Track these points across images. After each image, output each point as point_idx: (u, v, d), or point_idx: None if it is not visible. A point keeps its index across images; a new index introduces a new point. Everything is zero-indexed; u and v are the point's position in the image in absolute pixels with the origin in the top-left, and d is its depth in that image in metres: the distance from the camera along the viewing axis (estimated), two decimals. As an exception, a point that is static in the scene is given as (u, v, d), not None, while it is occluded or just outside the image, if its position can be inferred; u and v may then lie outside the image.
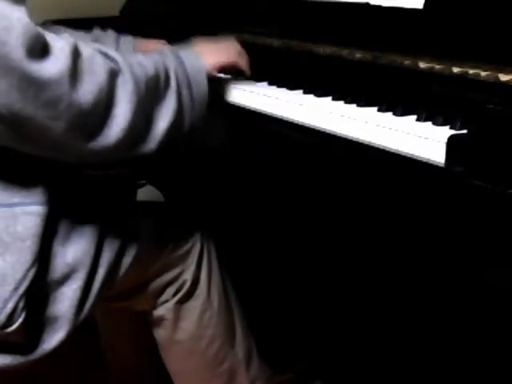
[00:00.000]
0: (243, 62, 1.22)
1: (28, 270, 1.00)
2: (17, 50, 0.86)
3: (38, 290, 1.03)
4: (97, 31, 1.37)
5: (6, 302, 0.98)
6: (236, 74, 1.25)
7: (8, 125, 0.91)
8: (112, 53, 1.00)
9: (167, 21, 1.63)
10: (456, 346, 1.28)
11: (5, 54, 0.86)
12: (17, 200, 1.00)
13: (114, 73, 0.97)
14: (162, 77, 1.05)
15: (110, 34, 1.37)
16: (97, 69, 0.95)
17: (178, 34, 1.46)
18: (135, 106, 0.98)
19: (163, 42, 1.42)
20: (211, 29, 1.46)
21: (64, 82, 0.90)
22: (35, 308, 1.02)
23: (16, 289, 0.99)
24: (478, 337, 1.22)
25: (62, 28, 1.33)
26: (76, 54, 0.93)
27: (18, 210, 1.00)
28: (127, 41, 1.38)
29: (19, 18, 0.87)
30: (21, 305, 1.00)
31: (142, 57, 1.06)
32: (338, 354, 1.57)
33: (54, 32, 0.95)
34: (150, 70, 1.03)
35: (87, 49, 0.96)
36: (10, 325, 0.99)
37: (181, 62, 1.09)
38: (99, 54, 0.97)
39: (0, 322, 0.98)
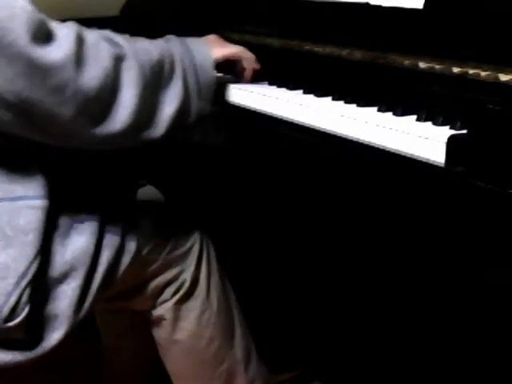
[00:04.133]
0: (247, 56, 1.20)
1: (30, 264, 1.00)
2: (21, 38, 0.88)
3: (40, 285, 1.03)
4: None
5: (9, 295, 0.99)
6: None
7: (17, 113, 0.92)
8: (117, 38, 1.01)
9: (167, 21, 1.63)
10: (456, 346, 1.28)
11: (10, 41, 0.88)
12: (19, 194, 1.01)
13: (119, 58, 0.98)
14: (168, 63, 1.05)
15: None
16: (102, 54, 0.96)
17: (178, 35, 1.46)
18: (141, 92, 0.99)
19: None
20: (211, 29, 1.46)
21: (69, 67, 0.91)
22: (36, 304, 1.02)
23: (18, 282, 0.99)
24: (478, 336, 1.23)
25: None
26: (80, 40, 0.94)
27: (20, 203, 1.00)
28: None
29: (23, 6, 0.89)
30: (24, 299, 1.00)
31: (147, 43, 1.07)
32: (338, 354, 1.57)
33: None
34: (155, 56, 1.03)
35: (92, 35, 0.97)
36: (13, 319, 0.99)
37: (187, 49, 1.09)
38: (104, 39, 0.98)
39: (3, 315, 0.99)
